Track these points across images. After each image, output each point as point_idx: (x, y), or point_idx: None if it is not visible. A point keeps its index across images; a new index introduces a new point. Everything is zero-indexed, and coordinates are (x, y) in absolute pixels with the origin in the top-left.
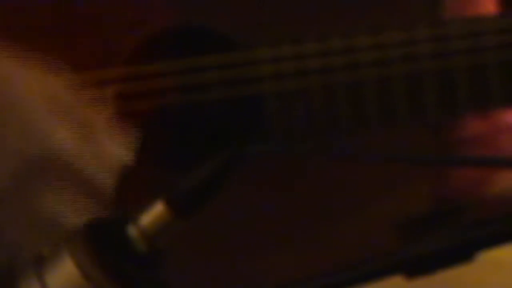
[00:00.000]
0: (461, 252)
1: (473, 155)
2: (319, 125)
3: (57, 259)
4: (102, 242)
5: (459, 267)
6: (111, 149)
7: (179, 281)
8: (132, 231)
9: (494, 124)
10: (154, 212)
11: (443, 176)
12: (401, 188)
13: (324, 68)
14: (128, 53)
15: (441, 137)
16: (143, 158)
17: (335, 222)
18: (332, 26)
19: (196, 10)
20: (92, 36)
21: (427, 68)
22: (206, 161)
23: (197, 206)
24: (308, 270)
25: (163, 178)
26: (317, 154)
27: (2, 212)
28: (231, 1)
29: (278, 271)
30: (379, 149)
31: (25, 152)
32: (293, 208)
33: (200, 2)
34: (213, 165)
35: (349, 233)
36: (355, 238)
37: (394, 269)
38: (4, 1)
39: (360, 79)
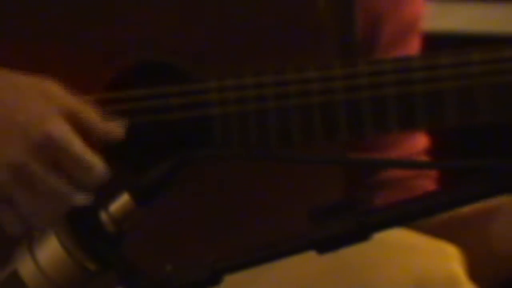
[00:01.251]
0: (359, 234)
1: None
2: (271, 142)
3: (45, 238)
4: (80, 224)
5: (358, 244)
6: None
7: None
8: (103, 216)
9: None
10: (121, 202)
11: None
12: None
13: (278, 95)
14: (107, 81)
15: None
16: (115, 162)
17: (263, 214)
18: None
19: (162, 48)
20: (79, 67)
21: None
22: (161, 163)
23: (153, 197)
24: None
25: (129, 176)
26: (257, 158)
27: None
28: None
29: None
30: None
31: (32, 136)
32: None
33: (165, 45)
34: (165, 166)
35: (272, 220)
36: (278, 224)
37: (309, 246)
38: None
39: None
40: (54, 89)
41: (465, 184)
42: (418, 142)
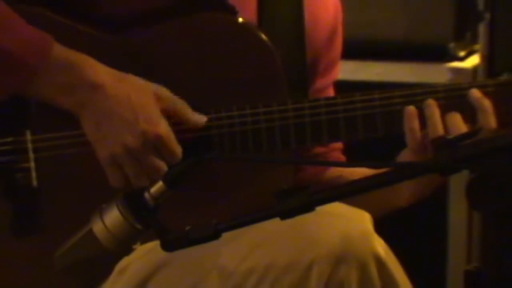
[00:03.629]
0: (307, 207)
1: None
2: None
3: (110, 209)
4: (132, 200)
5: (306, 214)
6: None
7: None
8: (146, 195)
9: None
10: (157, 186)
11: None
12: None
13: (254, 121)
14: None
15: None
16: None
17: (244, 194)
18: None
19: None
20: None
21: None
22: (182, 162)
23: (177, 184)
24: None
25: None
26: (251, 160)
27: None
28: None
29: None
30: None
31: (143, 131)
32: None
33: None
34: (185, 164)
35: (250, 197)
36: (252, 200)
37: (275, 215)
38: None
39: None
40: (161, 91)
41: (377, 175)
42: (337, 144)
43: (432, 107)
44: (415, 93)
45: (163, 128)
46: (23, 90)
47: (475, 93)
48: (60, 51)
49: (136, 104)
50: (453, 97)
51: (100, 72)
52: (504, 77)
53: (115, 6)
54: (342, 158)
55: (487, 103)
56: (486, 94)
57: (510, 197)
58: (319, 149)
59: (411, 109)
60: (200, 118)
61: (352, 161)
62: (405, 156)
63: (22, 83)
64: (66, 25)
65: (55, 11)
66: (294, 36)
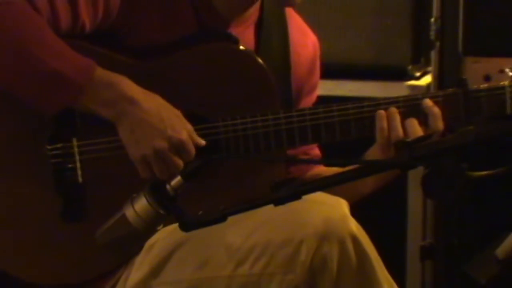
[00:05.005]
0: (295, 195)
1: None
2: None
3: (139, 197)
4: (156, 190)
5: (295, 202)
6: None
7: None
8: (167, 186)
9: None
10: (176, 179)
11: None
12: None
13: (253, 127)
14: None
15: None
16: None
17: (245, 185)
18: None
19: (193, 106)
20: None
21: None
22: (196, 160)
23: (192, 178)
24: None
25: None
26: (251, 159)
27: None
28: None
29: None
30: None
31: (169, 136)
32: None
33: (193, 105)
34: (198, 162)
35: (249, 188)
36: (251, 190)
37: (270, 202)
38: None
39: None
40: (178, 112)
41: (351, 170)
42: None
43: (394, 113)
44: (381, 103)
45: (185, 135)
46: (72, 104)
47: (427, 102)
48: (101, 72)
49: (164, 116)
50: (410, 105)
51: (134, 89)
52: (450, 90)
53: (141, 39)
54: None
55: (436, 110)
56: (436, 103)
57: (456, 187)
58: (303, 153)
59: (381, 112)
60: (200, 140)
61: (330, 159)
62: (373, 151)
63: (71, 98)
64: (102, 54)
65: (92, 43)
66: (282, 64)
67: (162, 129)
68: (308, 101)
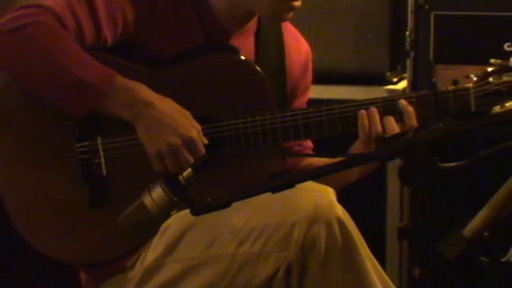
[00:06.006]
0: (290, 184)
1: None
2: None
3: (156, 186)
4: (170, 181)
5: (289, 190)
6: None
7: (194, 194)
8: (180, 177)
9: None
10: (187, 171)
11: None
12: (268, 162)
13: (253, 125)
14: None
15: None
16: None
17: (246, 175)
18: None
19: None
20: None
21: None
22: (204, 155)
23: (201, 170)
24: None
25: None
26: (251, 154)
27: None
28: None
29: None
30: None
31: (181, 134)
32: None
33: (201, 107)
34: (206, 156)
35: (250, 177)
36: (252, 178)
37: (268, 190)
38: None
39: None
40: (188, 113)
41: (337, 163)
42: (309, 143)
43: (374, 112)
44: (362, 103)
45: (195, 133)
46: (97, 108)
47: (403, 102)
48: (121, 79)
49: (176, 116)
50: (388, 105)
51: (149, 93)
52: (422, 91)
53: (154, 51)
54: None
55: (410, 109)
56: (410, 103)
57: (428, 176)
58: (297, 147)
59: (363, 111)
60: (204, 139)
61: (320, 153)
62: (357, 145)
63: (96, 103)
64: (121, 64)
65: (112, 54)
66: (278, 71)
67: (175, 128)
68: (302, 100)
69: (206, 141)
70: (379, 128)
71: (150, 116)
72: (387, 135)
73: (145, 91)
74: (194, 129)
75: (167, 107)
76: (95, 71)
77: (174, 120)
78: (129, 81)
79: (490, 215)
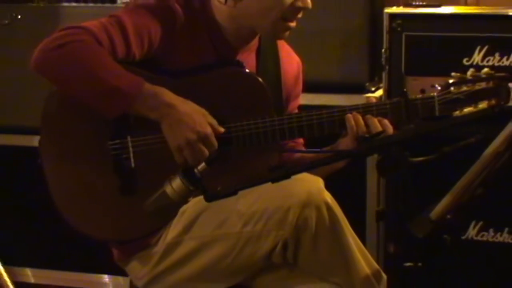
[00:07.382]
0: (286, 175)
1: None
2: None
3: (175, 177)
4: (188, 173)
5: (286, 180)
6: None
7: (207, 184)
8: (195, 170)
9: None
10: (201, 165)
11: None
12: (267, 155)
13: (257, 127)
14: None
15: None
16: None
17: (248, 167)
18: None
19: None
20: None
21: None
22: (216, 151)
23: (213, 164)
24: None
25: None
26: (259, 149)
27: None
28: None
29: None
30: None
31: (197, 131)
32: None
33: (216, 113)
34: (217, 152)
35: (252, 169)
36: (253, 170)
37: (268, 180)
38: None
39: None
40: (204, 111)
41: (326, 157)
42: (301, 140)
43: (357, 115)
44: (346, 108)
45: (209, 130)
46: (127, 111)
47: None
48: (148, 86)
49: (195, 116)
50: (368, 110)
51: (172, 97)
52: (395, 99)
53: (174, 64)
54: (303, 148)
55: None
56: (385, 109)
57: (401, 168)
58: (291, 143)
59: (349, 115)
60: (221, 128)
61: (311, 150)
62: (346, 141)
63: (126, 106)
64: (147, 74)
65: (139, 67)
66: (275, 81)
67: (192, 125)
68: (294, 105)
69: (222, 130)
70: (363, 127)
71: (172, 116)
72: (367, 135)
73: (168, 95)
74: (209, 127)
75: (187, 108)
76: (127, 79)
77: (192, 119)
78: (155, 86)
79: (452, 201)
